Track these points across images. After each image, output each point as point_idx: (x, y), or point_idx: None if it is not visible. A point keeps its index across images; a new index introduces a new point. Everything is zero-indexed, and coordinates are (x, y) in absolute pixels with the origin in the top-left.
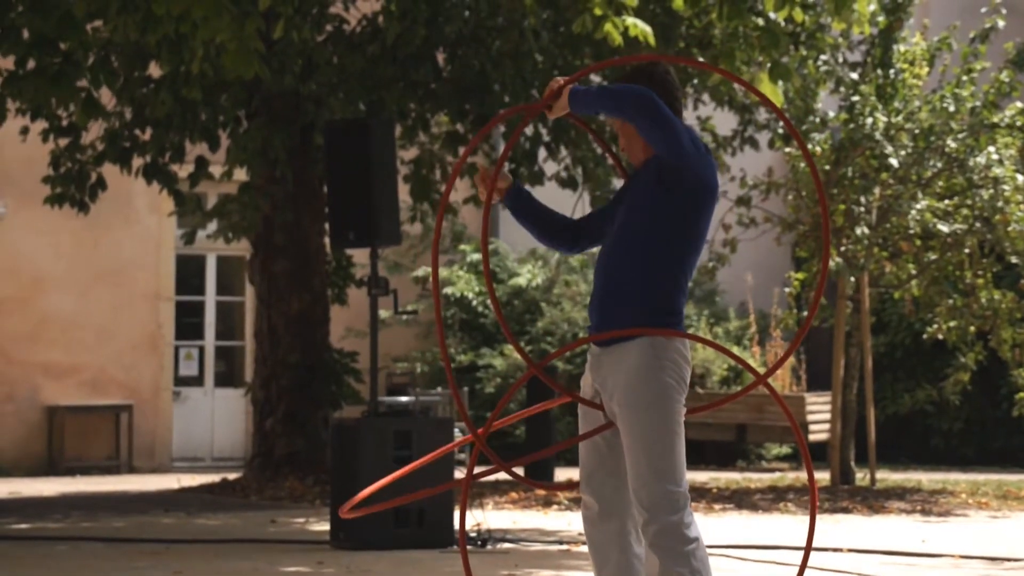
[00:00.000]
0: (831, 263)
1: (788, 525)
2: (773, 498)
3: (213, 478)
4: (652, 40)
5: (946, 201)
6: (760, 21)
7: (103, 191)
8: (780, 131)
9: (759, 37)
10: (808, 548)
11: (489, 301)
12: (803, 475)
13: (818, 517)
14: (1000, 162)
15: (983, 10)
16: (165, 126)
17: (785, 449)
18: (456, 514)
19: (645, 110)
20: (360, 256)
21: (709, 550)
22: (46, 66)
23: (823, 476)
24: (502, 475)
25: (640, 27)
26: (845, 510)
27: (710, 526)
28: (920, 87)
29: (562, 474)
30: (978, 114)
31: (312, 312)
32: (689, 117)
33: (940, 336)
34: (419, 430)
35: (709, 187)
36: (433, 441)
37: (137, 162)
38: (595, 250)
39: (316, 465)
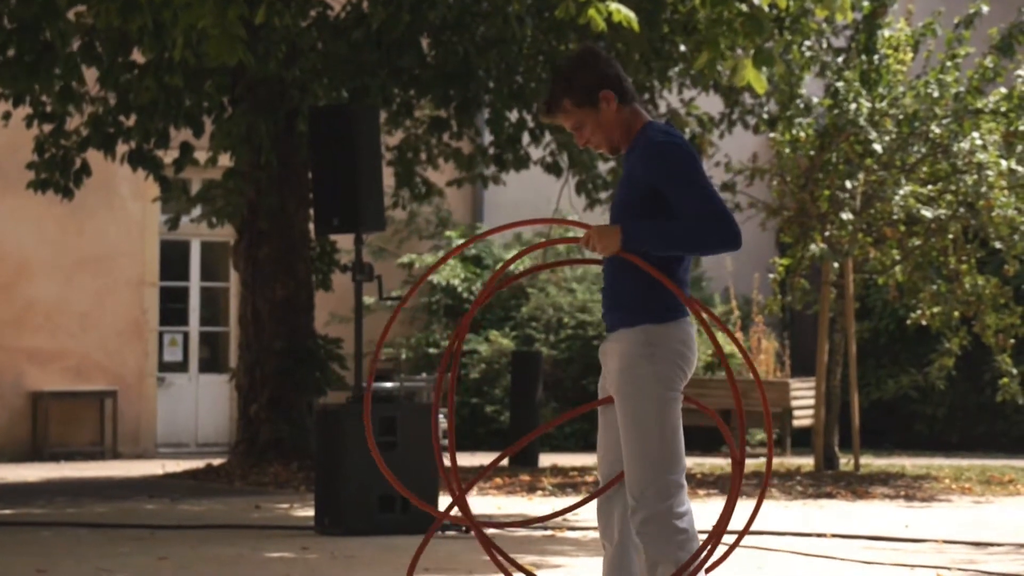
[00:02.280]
0: (815, 248)
1: (771, 510)
2: (757, 483)
3: (197, 464)
4: (636, 26)
5: (930, 187)
6: (744, 7)
7: (87, 177)
8: (765, 115)
9: (743, 23)
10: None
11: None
12: (787, 460)
13: (802, 502)
14: (984, 148)
15: None
16: (149, 112)
17: None
18: (440, 500)
19: (716, 242)
20: (345, 242)
21: None
22: (25, 54)
23: (807, 461)
24: (487, 461)
25: (623, 13)
26: (829, 495)
27: (694, 511)
28: (904, 73)
29: (546, 459)
30: (962, 100)
31: (296, 298)
32: (673, 101)
33: (924, 322)
34: (403, 416)
35: None
36: (417, 427)
37: (121, 148)
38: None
39: (300, 451)
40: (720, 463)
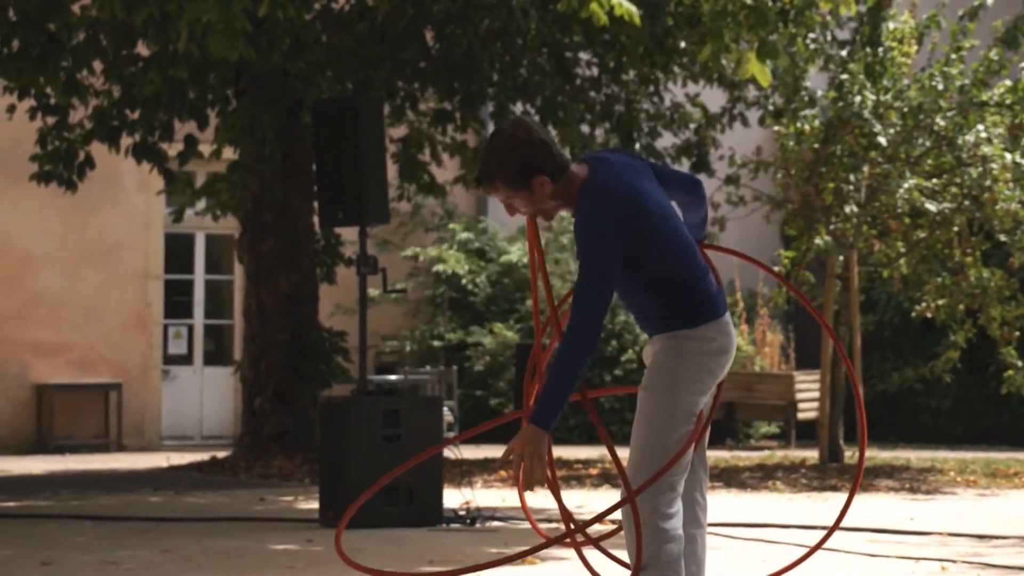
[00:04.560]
0: (819, 241)
1: (776, 503)
2: (762, 476)
3: (202, 456)
4: (637, 20)
5: (935, 180)
6: (748, 0)
7: (91, 170)
8: (770, 108)
9: (747, 15)
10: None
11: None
12: (792, 453)
13: (807, 495)
14: (989, 140)
15: None
16: (153, 105)
17: (774, 428)
18: (445, 492)
19: (584, 350)
20: (349, 234)
21: None
22: (31, 46)
23: (812, 454)
24: (494, 454)
25: (625, 6)
26: (834, 488)
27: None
28: (909, 65)
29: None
30: (967, 92)
31: (301, 291)
32: (678, 94)
33: (929, 314)
34: (408, 408)
35: (638, 230)
36: (422, 420)
37: (126, 141)
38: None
39: (305, 444)
40: (724, 456)
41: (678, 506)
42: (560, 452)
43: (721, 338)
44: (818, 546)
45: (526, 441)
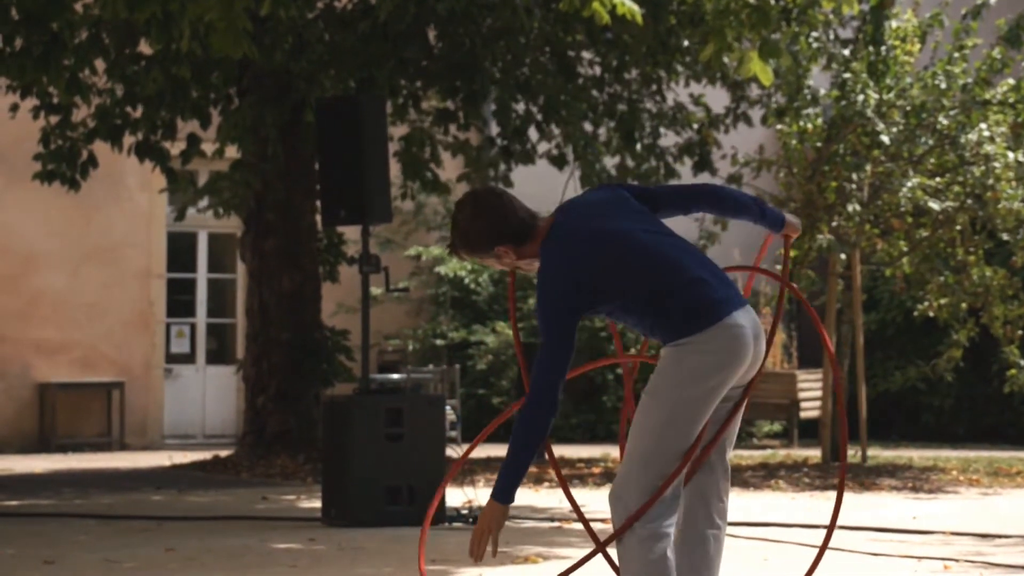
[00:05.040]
0: (822, 239)
1: (779, 502)
2: (764, 475)
3: (204, 455)
4: (639, 19)
5: (937, 178)
6: None
7: (94, 169)
8: (773, 107)
9: (749, 15)
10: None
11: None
12: (794, 452)
13: (809, 494)
14: (991, 139)
15: None
16: (156, 104)
17: (776, 427)
18: (447, 492)
19: (543, 417)
20: (351, 233)
21: None
22: (33, 45)
23: (814, 453)
24: (494, 452)
25: (627, 5)
26: (836, 487)
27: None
28: (912, 64)
29: (556, 450)
30: (970, 91)
31: (303, 290)
32: (682, 94)
33: (931, 313)
34: (410, 407)
35: (603, 267)
36: (425, 419)
37: (128, 140)
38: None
39: (307, 442)
40: None
41: (661, 509)
42: (563, 451)
43: (724, 340)
44: (823, 548)
45: (484, 518)
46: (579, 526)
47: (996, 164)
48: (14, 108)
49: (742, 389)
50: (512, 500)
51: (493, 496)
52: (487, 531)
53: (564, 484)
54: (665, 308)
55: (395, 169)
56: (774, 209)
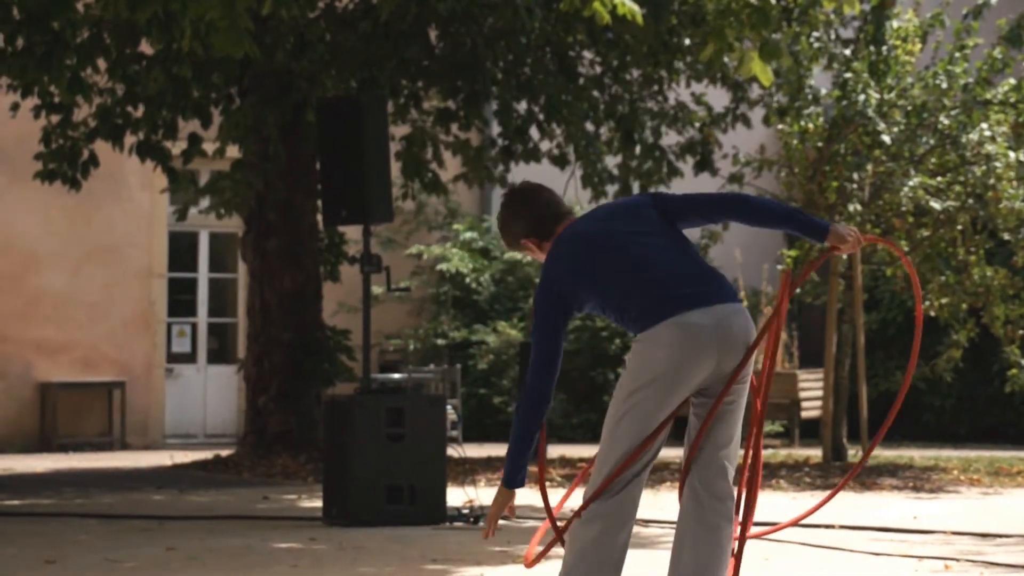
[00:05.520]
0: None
1: (780, 501)
2: (765, 475)
3: (206, 455)
4: (639, 19)
5: (939, 178)
6: None
7: (95, 168)
8: (774, 106)
9: (750, 15)
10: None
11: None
12: (795, 452)
13: (811, 493)
14: (992, 139)
15: None
16: (157, 103)
17: (777, 426)
18: (448, 491)
19: (539, 402)
20: (353, 233)
21: None
22: (35, 45)
23: (815, 453)
24: (495, 452)
25: (628, 5)
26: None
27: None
28: (913, 64)
29: (553, 451)
30: (971, 91)
31: (305, 289)
32: (683, 94)
33: (932, 313)
34: (412, 407)
35: (581, 267)
36: (426, 418)
37: (129, 139)
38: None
39: (308, 442)
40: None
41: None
42: (564, 451)
43: (671, 337)
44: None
45: (493, 502)
46: None
47: (997, 164)
48: (15, 107)
49: (722, 386)
50: (518, 485)
51: (502, 483)
52: (494, 516)
53: (542, 477)
54: (625, 306)
55: (396, 169)
56: (818, 220)
